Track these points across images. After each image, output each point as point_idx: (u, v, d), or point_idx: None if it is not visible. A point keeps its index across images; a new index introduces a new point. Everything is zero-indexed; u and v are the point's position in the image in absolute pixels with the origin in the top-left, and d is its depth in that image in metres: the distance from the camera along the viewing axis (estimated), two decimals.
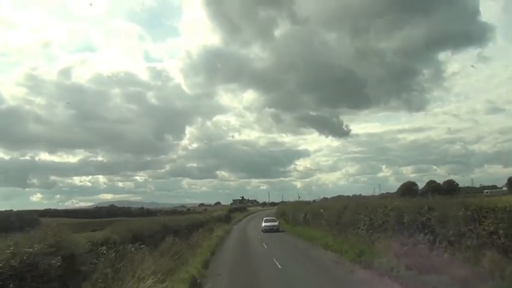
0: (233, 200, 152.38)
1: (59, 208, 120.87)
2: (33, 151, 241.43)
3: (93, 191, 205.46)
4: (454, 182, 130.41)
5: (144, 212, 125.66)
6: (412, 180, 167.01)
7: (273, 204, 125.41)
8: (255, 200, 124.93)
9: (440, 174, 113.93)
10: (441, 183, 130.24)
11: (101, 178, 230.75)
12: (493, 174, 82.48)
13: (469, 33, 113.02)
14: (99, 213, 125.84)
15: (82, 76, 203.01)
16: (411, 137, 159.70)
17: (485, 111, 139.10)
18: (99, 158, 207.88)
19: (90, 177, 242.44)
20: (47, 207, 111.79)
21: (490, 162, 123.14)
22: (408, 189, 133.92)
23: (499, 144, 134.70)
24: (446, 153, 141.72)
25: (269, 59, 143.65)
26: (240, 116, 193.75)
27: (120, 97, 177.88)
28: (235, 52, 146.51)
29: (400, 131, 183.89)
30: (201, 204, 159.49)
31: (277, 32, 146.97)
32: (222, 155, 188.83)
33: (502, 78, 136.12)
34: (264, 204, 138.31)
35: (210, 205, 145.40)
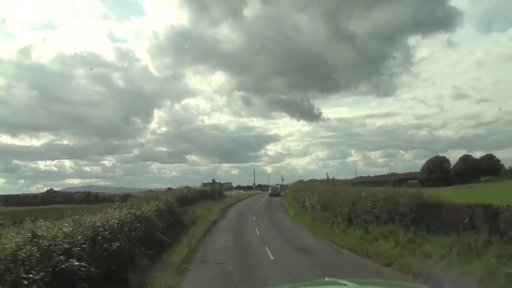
0: (203, 184, 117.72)
1: None
2: None
3: (60, 176, 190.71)
4: (495, 157, 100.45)
5: (89, 199, 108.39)
6: (381, 165, 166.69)
7: (259, 186, 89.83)
8: (230, 183, 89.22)
9: (407, 160, 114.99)
10: (478, 158, 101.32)
11: (67, 162, 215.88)
12: (457, 159, 77.84)
13: (439, 18, 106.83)
14: (33, 200, 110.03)
15: (43, 55, 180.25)
16: (379, 122, 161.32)
17: (451, 97, 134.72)
18: (65, 142, 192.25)
19: (55, 161, 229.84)
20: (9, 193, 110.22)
21: (454, 147, 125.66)
22: (437, 166, 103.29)
23: (463, 130, 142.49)
24: (412, 138, 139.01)
25: (239, 41, 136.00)
26: (209, 99, 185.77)
27: (84, 78, 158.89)
28: (203, 33, 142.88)
29: (369, 116, 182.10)
30: (169, 189, 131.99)
31: (247, 12, 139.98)
32: (192, 139, 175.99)
33: (468, 64, 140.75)
34: (239, 187, 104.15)
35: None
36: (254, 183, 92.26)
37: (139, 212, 12.61)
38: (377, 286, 3.16)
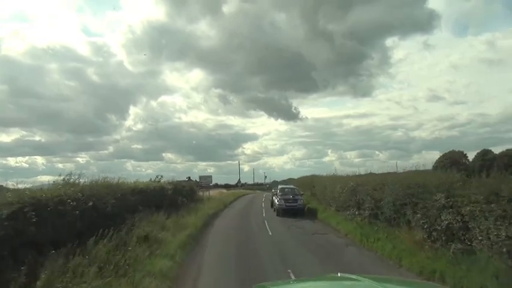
0: (176, 181, 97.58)
1: None
2: None
3: (31, 173, 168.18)
4: None
5: None
6: (357, 165, 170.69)
7: (243, 185, 73.15)
8: (210, 177, 68.98)
9: (382, 160, 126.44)
10: (497, 153, 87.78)
11: (39, 159, 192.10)
12: (430, 159, 76.85)
13: (417, 20, 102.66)
14: None
15: (14, 48, 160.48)
16: (356, 122, 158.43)
17: (426, 98, 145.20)
18: (37, 138, 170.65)
19: (26, 158, 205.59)
20: None
21: (428, 148, 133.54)
22: (454, 162, 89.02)
23: (437, 131, 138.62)
24: (388, 139, 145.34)
25: (217, 38, 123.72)
26: (186, 97, 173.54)
27: (58, 73, 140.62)
28: (181, 29, 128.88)
29: (346, 116, 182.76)
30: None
31: (226, 9, 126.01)
32: (168, 136, 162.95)
33: (443, 66, 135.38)
34: (217, 185, 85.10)
35: None
36: (239, 181, 75.80)
37: None
38: (391, 283, 3.03)
